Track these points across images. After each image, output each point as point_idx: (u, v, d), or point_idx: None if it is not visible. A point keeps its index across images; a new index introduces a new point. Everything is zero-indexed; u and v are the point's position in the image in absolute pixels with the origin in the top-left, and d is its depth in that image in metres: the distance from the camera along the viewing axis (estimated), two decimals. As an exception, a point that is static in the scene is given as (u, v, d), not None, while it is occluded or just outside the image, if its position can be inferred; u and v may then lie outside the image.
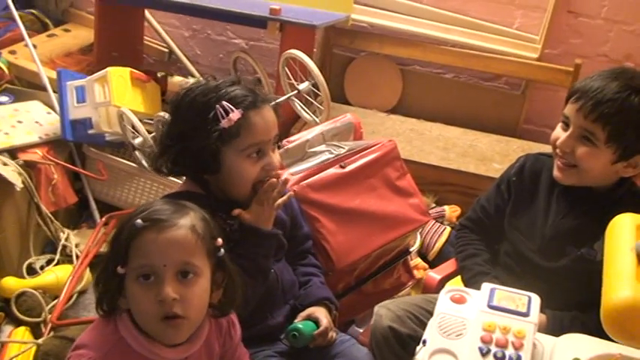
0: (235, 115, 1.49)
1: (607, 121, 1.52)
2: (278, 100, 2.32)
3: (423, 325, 1.54)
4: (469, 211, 1.90)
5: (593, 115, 1.53)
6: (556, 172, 1.65)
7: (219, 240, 1.30)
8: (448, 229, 2.59)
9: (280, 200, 1.56)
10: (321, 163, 1.89)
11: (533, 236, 1.70)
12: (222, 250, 1.30)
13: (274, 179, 1.55)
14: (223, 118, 1.49)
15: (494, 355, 1.26)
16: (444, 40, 3.23)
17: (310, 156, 1.94)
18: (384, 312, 1.66)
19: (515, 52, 3.19)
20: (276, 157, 1.59)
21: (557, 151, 1.63)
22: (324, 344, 1.62)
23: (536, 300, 1.36)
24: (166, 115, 2.30)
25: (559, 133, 1.62)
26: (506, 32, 3.24)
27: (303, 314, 1.63)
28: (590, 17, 3.15)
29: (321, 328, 1.60)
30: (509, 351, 1.26)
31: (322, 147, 1.96)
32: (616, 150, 1.55)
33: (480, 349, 1.27)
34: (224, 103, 1.49)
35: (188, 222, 1.25)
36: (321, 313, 1.63)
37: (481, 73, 3.32)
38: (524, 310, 1.34)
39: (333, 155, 1.91)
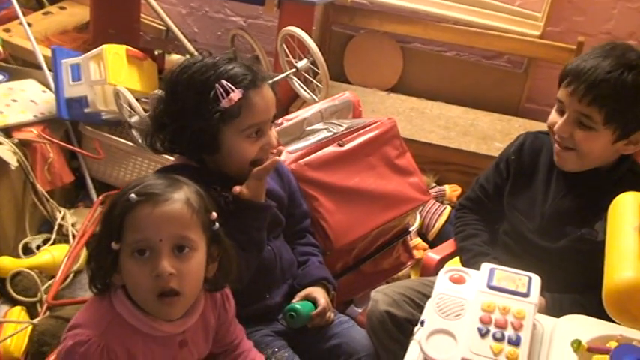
0: (236, 94, 1.46)
1: (602, 102, 1.48)
2: (276, 78, 2.30)
3: (420, 309, 1.54)
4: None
5: (587, 98, 1.49)
6: (556, 159, 1.63)
7: (214, 214, 1.28)
8: (448, 208, 2.57)
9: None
10: (319, 141, 1.86)
11: (533, 216, 1.67)
12: (217, 223, 1.28)
13: (277, 157, 1.54)
14: (223, 97, 1.45)
15: (493, 336, 1.24)
16: (446, 17, 3.19)
17: (308, 134, 1.91)
18: (380, 297, 1.65)
19: (517, 29, 3.15)
20: (274, 135, 1.56)
21: (555, 137, 1.60)
22: (322, 324, 1.61)
23: (536, 280, 1.34)
24: (162, 93, 2.29)
25: (555, 118, 1.59)
26: (509, 9, 3.20)
27: (301, 294, 1.62)
28: (593, -6, 3.11)
29: (319, 309, 1.59)
30: (509, 331, 1.24)
31: (320, 125, 1.93)
32: (615, 130, 1.51)
33: (479, 330, 1.25)
34: (224, 82, 1.46)
35: (182, 196, 1.23)
36: (319, 293, 1.62)
37: (483, 51, 3.29)
38: (524, 290, 1.32)
39: (331, 133, 1.89)
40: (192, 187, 1.27)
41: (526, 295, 1.31)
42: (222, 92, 1.45)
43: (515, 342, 1.23)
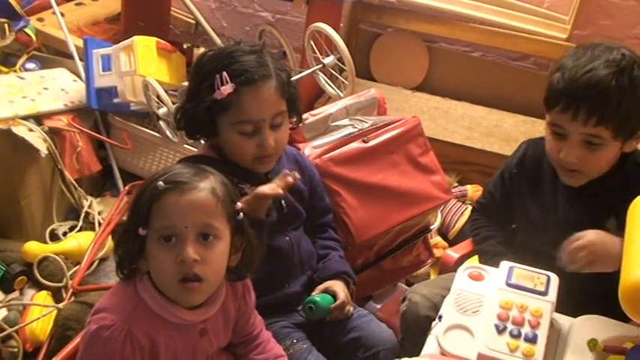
0: (226, 89, 1.50)
1: (610, 119, 1.40)
2: (303, 74, 2.34)
3: None
4: (481, 196, 1.86)
5: (593, 120, 1.40)
6: (564, 179, 1.55)
7: (239, 204, 1.31)
8: (469, 208, 2.57)
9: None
10: (344, 137, 1.88)
11: (547, 228, 1.62)
12: (242, 214, 1.31)
13: (280, 190, 1.49)
14: (218, 88, 1.50)
15: (510, 333, 1.27)
16: (472, 17, 3.18)
17: (333, 130, 1.93)
18: (420, 299, 1.61)
19: (544, 31, 3.13)
20: (275, 135, 1.56)
21: (562, 163, 1.51)
22: (341, 317, 1.63)
23: (554, 279, 1.36)
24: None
25: (556, 145, 1.49)
26: (536, 11, 3.17)
27: (321, 287, 1.64)
28: (622, -2, 3.09)
29: (338, 302, 1.61)
30: (526, 329, 1.27)
31: (345, 121, 1.95)
32: (623, 137, 1.46)
33: (496, 326, 1.28)
34: (223, 73, 1.50)
35: (208, 185, 1.27)
36: (338, 287, 1.64)
37: (509, 52, 3.27)
38: (542, 289, 1.34)
39: (356, 130, 1.90)
40: (217, 177, 1.31)
41: (544, 293, 1.33)
42: (218, 83, 1.50)
43: (532, 339, 1.25)
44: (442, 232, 2.52)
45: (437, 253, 2.28)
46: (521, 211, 1.67)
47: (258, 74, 1.52)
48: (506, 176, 1.71)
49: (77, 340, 1.72)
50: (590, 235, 1.37)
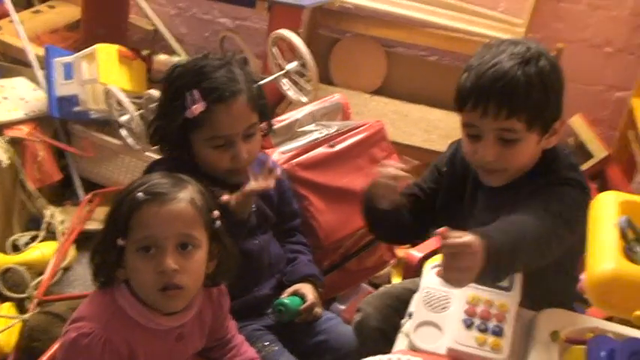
0: (197, 108, 1.52)
1: (520, 110, 1.36)
2: (266, 80, 2.36)
3: None
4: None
5: (503, 113, 1.35)
6: (485, 181, 1.50)
7: (216, 212, 1.33)
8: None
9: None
10: (310, 142, 1.92)
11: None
12: (218, 222, 1.33)
13: (271, 184, 1.54)
14: (189, 107, 1.52)
15: (478, 328, 1.31)
16: (429, 22, 3.24)
17: (300, 135, 1.97)
18: (371, 311, 1.63)
19: (499, 35, 3.19)
20: (248, 146, 1.59)
21: (480, 163, 1.46)
22: (310, 319, 1.67)
23: (518, 276, 1.40)
24: (156, 93, 2.33)
25: (471, 146, 1.44)
26: (491, 16, 3.26)
27: (290, 290, 1.68)
28: (572, 2, 3.19)
29: (307, 304, 1.65)
30: (493, 323, 1.31)
31: (312, 126, 1.99)
32: (538, 130, 1.40)
33: (464, 322, 1.32)
34: (194, 92, 1.52)
35: (187, 195, 1.29)
36: (307, 289, 1.68)
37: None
38: (506, 284, 1.38)
39: (322, 135, 1.95)
40: (195, 187, 1.33)
41: (509, 289, 1.37)
42: (189, 102, 1.52)
43: (499, 333, 1.30)
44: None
45: (398, 253, 2.32)
46: (445, 211, 1.62)
47: (229, 90, 1.54)
48: (435, 173, 1.67)
49: (50, 351, 1.71)
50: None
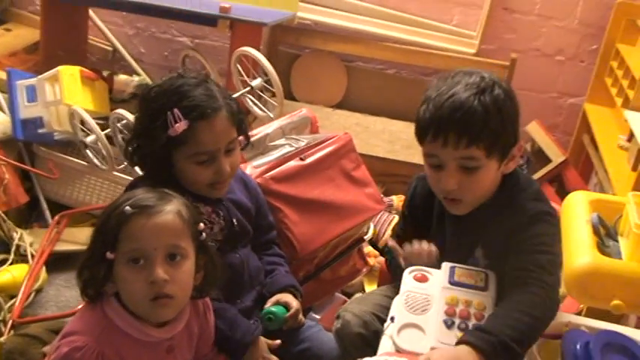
0: (180, 126, 1.54)
1: (479, 138, 1.40)
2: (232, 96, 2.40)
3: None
4: (393, 233, 1.87)
5: (463, 142, 1.39)
6: (451, 210, 1.54)
7: (201, 224, 1.37)
8: (396, 217, 2.69)
9: None
10: (281, 156, 1.95)
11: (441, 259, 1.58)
12: (204, 234, 1.36)
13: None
14: (171, 126, 1.54)
15: (459, 327, 1.37)
16: (386, 36, 3.34)
17: (271, 149, 2.01)
18: (351, 317, 1.66)
19: (454, 47, 3.33)
20: (229, 160, 1.62)
21: (443, 193, 1.50)
22: (295, 326, 1.70)
23: (492, 276, 1.46)
24: (126, 114, 2.35)
25: (435, 176, 1.48)
26: (445, 29, 3.38)
27: (273, 299, 1.70)
28: (524, 14, 3.31)
29: (292, 311, 1.68)
30: (472, 322, 1.37)
31: (282, 140, 2.03)
32: (497, 157, 1.44)
33: (445, 322, 1.38)
34: (175, 111, 1.54)
35: (174, 207, 1.32)
36: (289, 298, 1.71)
37: (422, 69, 3.45)
38: (482, 284, 1.45)
39: (293, 148, 1.99)
40: (180, 200, 1.36)
41: (485, 289, 1.44)
42: (171, 121, 1.54)
43: (479, 331, 1.35)
44: (372, 242, 2.62)
45: (370, 261, 2.38)
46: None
47: (210, 107, 1.57)
48: (406, 213, 1.74)
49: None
50: (437, 356, 1.28)
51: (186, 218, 1.33)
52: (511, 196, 1.49)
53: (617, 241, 1.51)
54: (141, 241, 1.27)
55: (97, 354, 1.27)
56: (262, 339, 1.64)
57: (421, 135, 1.46)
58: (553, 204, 1.50)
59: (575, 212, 1.35)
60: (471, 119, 1.38)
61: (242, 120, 1.67)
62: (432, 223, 1.62)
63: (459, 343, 1.28)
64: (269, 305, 1.69)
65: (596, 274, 1.23)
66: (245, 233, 1.72)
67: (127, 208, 1.27)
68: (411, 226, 1.71)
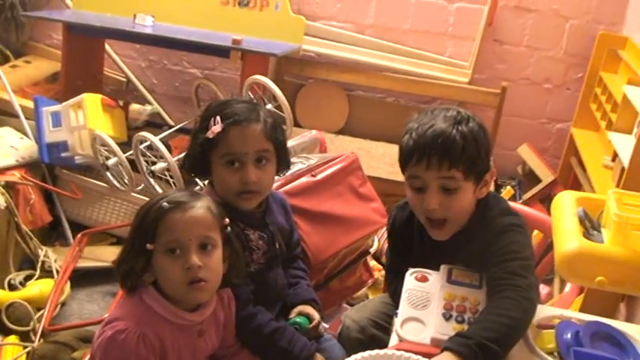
0: (217, 128, 1.71)
1: (459, 161, 1.55)
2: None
3: (381, 329, 1.78)
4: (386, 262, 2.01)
5: (446, 165, 1.55)
6: (434, 236, 1.67)
7: (227, 219, 1.55)
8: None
9: None
10: (294, 172, 2.13)
11: None
12: (229, 227, 1.54)
13: None
14: (210, 129, 1.72)
15: (456, 319, 1.52)
16: (386, 67, 3.53)
17: (284, 167, 2.18)
18: (350, 323, 1.81)
19: (448, 77, 3.50)
20: (258, 172, 1.73)
21: (426, 213, 1.62)
22: (317, 336, 1.83)
23: (485, 276, 1.63)
24: (149, 135, 2.53)
25: (417, 198, 1.61)
26: (440, 60, 3.57)
27: (296, 310, 1.83)
28: (513, 45, 3.50)
29: (315, 322, 1.81)
30: (468, 315, 1.53)
31: (295, 159, 2.20)
32: (473, 180, 1.60)
33: (444, 315, 1.53)
34: (217, 117, 1.72)
35: (205, 203, 1.50)
36: (311, 310, 1.84)
37: (419, 97, 3.62)
38: (477, 283, 1.61)
39: (305, 166, 2.16)
40: (209, 198, 1.55)
41: (479, 287, 1.60)
42: (211, 125, 1.72)
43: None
44: (376, 256, 2.79)
45: (375, 273, 2.54)
46: (404, 263, 1.79)
47: (245, 117, 1.73)
48: (391, 242, 1.88)
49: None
50: None
51: (215, 213, 1.51)
52: (482, 214, 1.65)
53: (600, 232, 1.71)
54: (177, 232, 1.45)
55: (139, 336, 1.42)
56: (318, 355, 1.77)
57: (405, 159, 1.61)
58: (544, 216, 1.69)
59: (564, 208, 1.56)
60: (452, 145, 1.55)
61: (281, 141, 1.80)
62: (413, 247, 1.77)
63: (441, 350, 1.40)
64: (293, 316, 1.82)
65: (582, 255, 1.44)
66: (283, 255, 1.86)
67: (165, 204, 1.45)
68: (395, 252, 1.87)
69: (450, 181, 1.57)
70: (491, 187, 1.70)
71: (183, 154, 1.90)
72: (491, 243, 1.58)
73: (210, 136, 1.71)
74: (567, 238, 1.47)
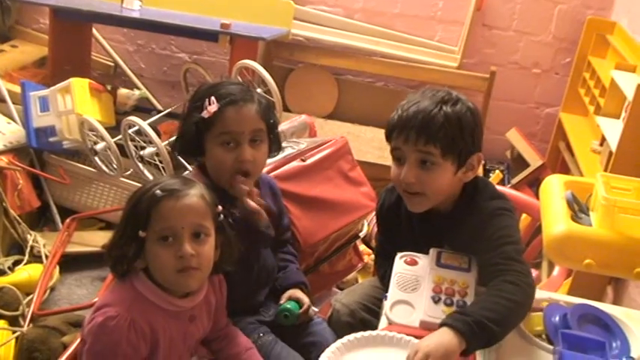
0: (213, 107, 1.72)
1: (436, 138, 1.56)
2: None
3: (371, 312, 1.79)
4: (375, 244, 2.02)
5: (422, 140, 1.57)
6: (410, 207, 1.68)
7: (219, 207, 1.54)
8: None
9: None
10: (284, 157, 2.13)
11: None
12: (222, 215, 1.54)
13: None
14: (206, 109, 1.73)
15: (445, 302, 1.53)
16: (374, 51, 3.54)
17: (275, 151, 2.19)
18: (340, 307, 1.82)
19: (437, 61, 3.52)
20: (253, 152, 1.74)
21: (403, 186, 1.64)
22: (307, 320, 1.85)
23: (475, 259, 1.64)
24: (137, 120, 2.52)
25: (397, 170, 1.64)
26: (429, 44, 3.58)
27: (286, 295, 1.85)
28: (502, 29, 3.52)
29: (305, 306, 1.83)
30: (456, 298, 1.53)
31: (284, 144, 2.19)
32: (453, 160, 1.60)
33: (432, 298, 1.54)
34: (211, 97, 1.73)
35: (198, 191, 1.49)
36: (300, 294, 1.86)
37: (408, 81, 3.63)
38: (466, 266, 1.61)
39: (294, 150, 2.17)
40: (201, 185, 1.54)
41: (468, 270, 1.60)
42: (206, 105, 1.73)
43: (462, 306, 1.51)
44: (365, 241, 2.80)
45: (365, 257, 2.55)
46: (392, 243, 1.81)
47: (241, 97, 1.75)
48: (379, 225, 1.90)
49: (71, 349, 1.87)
50: (424, 346, 1.36)
51: (208, 201, 1.50)
52: (470, 198, 1.67)
53: (588, 215, 1.72)
54: (170, 220, 1.44)
55: (129, 322, 1.42)
56: None
57: (389, 133, 1.65)
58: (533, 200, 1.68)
59: (552, 191, 1.57)
60: (430, 121, 1.57)
61: (274, 122, 1.82)
62: (402, 228, 1.77)
63: (440, 325, 1.41)
64: (283, 302, 1.83)
65: (570, 238, 1.45)
66: (270, 237, 1.85)
67: (158, 191, 1.44)
68: (384, 235, 1.88)
69: (426, 155, 1.58)
70: (480, 172, 1.70)
71: (173, 138, 1.88)
72: (482, 228, 1.59)
73: (206, 115, 1.72)
74: (555, 220, 1.48)
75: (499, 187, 1.82)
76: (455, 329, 1.37)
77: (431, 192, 1.62)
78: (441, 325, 1.40)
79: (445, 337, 1.37)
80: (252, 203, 1.71)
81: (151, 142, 2.56)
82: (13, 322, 2.30)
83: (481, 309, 1.41)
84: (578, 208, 1.68)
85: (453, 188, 1.66)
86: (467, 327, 1.37)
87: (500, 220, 1.60)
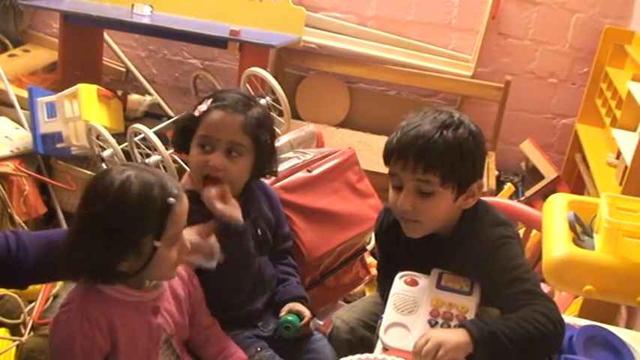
0: (202, 107, 1.77)
1: (435, 166, 1.49)
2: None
3: (372, 329, 1.71)
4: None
5: (421, 167, 1.50)
6: (406, 232, 1.63)
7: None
8: (397, 231, 2.81)
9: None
10: (290, 167, 2.09)
11: None
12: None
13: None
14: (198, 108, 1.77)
15: (441, 326, 1.44)
16: (387, 60, 3.49)
17: (281, 161, 2.13)
18: (340, 324, 1.78)
19: (451, 70, 3.47)
20: (226, 162, 1.72)
21: (400, 212, 1.59)
22: (308, 333, 1.81)
23: (478, 282, 1.56)
24: (143, 128, 2.49)
25: (395, 197, 1.58)
26: (443, 53, 3.52)
27: (286, 308, 1.81)
28: (518, 38, 3.46)
29: (307, 319, 1.80)
30: (454, 322, 1.45)
31: (290, 153, 2.16)
32: (453, 187, 1.53)
33: (429, 321, 1.46)
34: (208, 100, 1.77)
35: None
36: (301, 307, 1.82)
37: (420, 90, 3.58)
38: (467, 289, 1.53)
39: (300, 160, 2.12)
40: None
41: (469, 293, 1.52)
42: (201, 104, 1.78)
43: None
44: (373, 253, 2.75)
45: (372, 270, 2.50)
46: (392, 264, 1.76)
47: (231, 105, 1.75)
48: (378, 244, 1.84)
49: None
50: (435, 336, 1.37)
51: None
52: (470, 224, 1.60)
53: (592, 237, 1.64)
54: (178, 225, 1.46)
55: (82, 313, 1.39)
56: None
57: (387, 157, 1.58)
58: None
59: (555, 211, 1.50)
60: (430, 148, 1.49)
61: (263, 141, 1.78)
62: (401, 249, 1.71)
63: (459, 326, 1.39)
64: (284, 314, 1.80)
65: (570, 262, 1.38)
66: (266, 243, 1.83)
67: (171, 199, 1.41)
68: (383, 253, 1.82)
69: (425, 184, 1.51)
70: (492, 182, 1.63)
71: None
72: (489, 259, 1.53)
73: (197, 114, 1.75)
74: (555, 243, 1.41)
75: (510, 202, 1.76)
76: (468, 331, 1.36)
77: (427, 220, 1.57)
78: (460, 326, 1.40)
79: (457, 334, 1.37)
80: (218, 207, 1.69)
81: (156, 150, 2.53)
82: (15, 330, 2.27)
83: (502, 324, 1.38)
84: (581, 230, 1.60)
85: (452, 215, 1.59)
86: (480, 333, 1.35)
87: (506, 250, 1.53)
